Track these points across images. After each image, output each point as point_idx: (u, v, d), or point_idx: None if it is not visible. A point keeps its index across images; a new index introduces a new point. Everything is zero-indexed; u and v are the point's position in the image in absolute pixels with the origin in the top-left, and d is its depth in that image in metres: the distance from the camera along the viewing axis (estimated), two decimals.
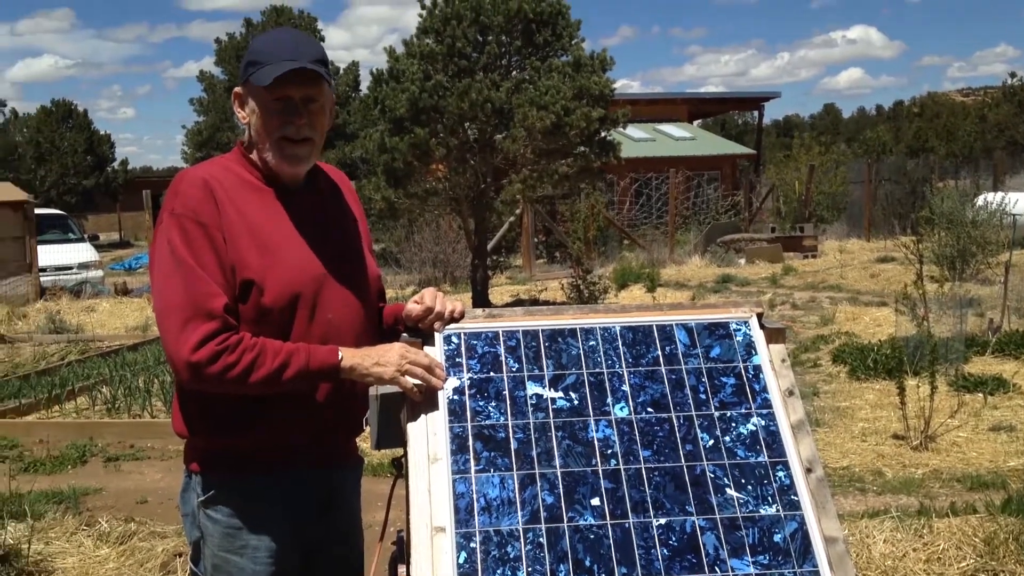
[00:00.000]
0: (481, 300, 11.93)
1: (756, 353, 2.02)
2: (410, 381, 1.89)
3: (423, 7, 11.17)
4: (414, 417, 1.88)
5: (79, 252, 17.62)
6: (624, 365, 1.98)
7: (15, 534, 4.17)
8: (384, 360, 1.91)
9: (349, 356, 1.92)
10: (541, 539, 1.76)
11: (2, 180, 21.17)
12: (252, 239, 1.96)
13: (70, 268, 16.95)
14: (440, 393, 1.91)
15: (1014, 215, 11.32)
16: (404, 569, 1.82)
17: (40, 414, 7.44)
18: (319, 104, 2.03)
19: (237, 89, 2.07)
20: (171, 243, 1.91)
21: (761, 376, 1.99)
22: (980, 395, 6.66)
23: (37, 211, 17.04)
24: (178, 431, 2.07)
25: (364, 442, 2.15)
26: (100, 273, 17.81)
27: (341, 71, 35.93)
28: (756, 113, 33.52)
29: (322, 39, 31.54)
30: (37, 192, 38.10)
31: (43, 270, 16.30)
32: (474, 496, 1.79)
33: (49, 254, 16.71)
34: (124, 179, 43.00)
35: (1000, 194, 14.21)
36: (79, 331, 11.84)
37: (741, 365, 2.01)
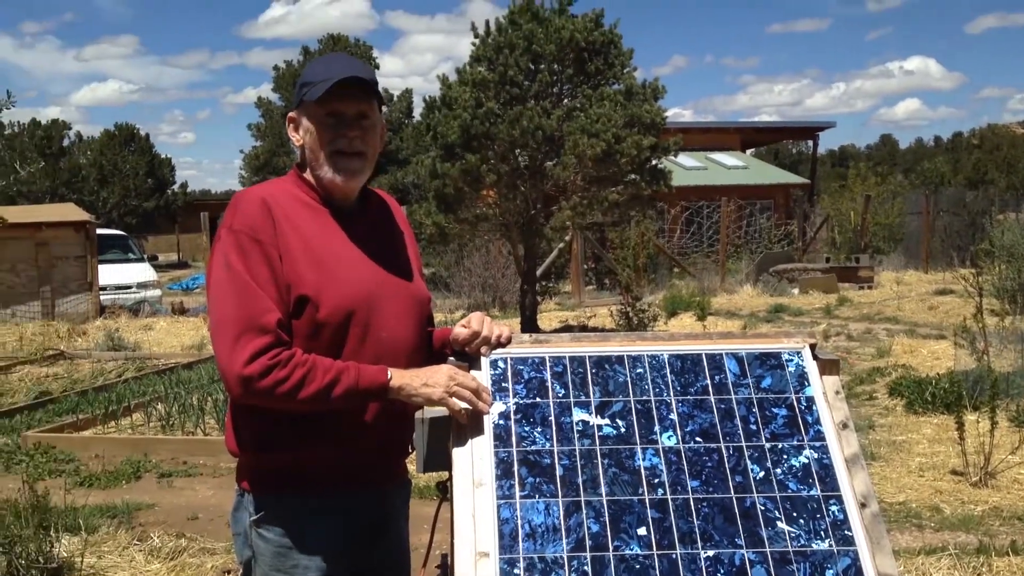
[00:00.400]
0: (530, 325, 11.92)
1: (809, 384, 1.99)
2: (458, 403, 1.89)
3: (476, 36, 11.30)
4: (460, 441, 1.88)
5: (138, 272, 18.03)
6: (672, 393, 1.96)
7: (69, 547, 4.25)
8: (432, 381, 1.92)
9: (398, 376, 1.93)
10: (586, 567, 1.73)
11: (66, 201, 21.78)
12: (308, 256, 1.98)
13: (129, 287, 17.34)
14: (486, 417, 1.91)
15: None
16: None
17: (96, 429, 7.59)
18: (371, 121, 2.07)
19: (292, 114, 2.11)
20: (227, 258, 1.95)
21: (814, 408, 1.96)
22: None
23: (99, 231, 17.49)
24: (231, 449, 2.09)
25: (412, 464, 2.15)
26: (158, 292, 18.19)
27: (395, 98, 36.45)
28: (810, 143, 33.17)
29: (377, 67, 32.06)
30: (99, 213, 39.18)
31: (103, 289, 16.69)
32: (519, 522, 1.78)
33: (109, 273, 17.11)
34: (183, 201, 44.04)
35: None
36: (136, 349, 12.08)
37: (793, 396, 1.97)
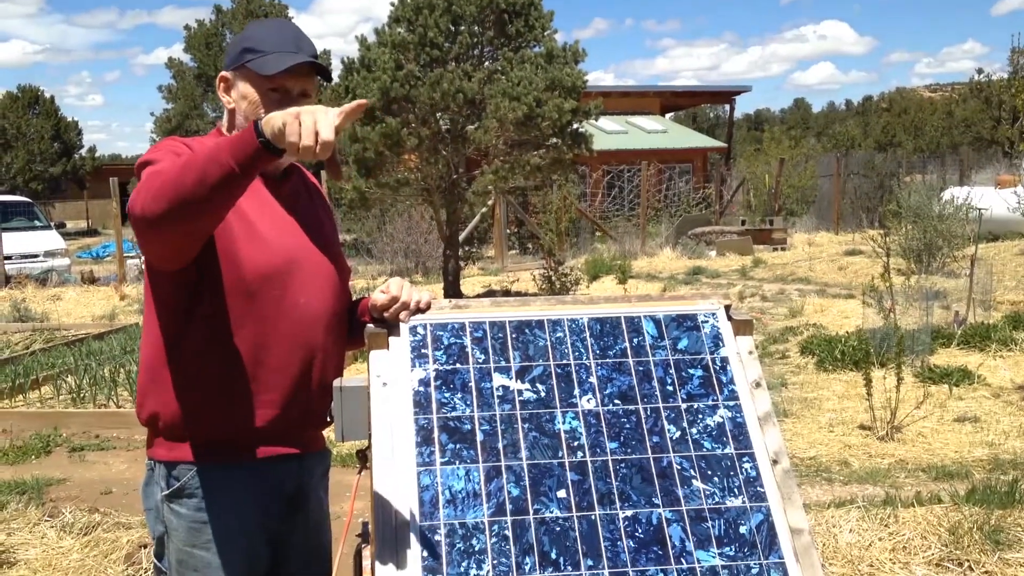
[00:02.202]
0: (453, 291, 11.91)
1: (724, 345, 2.02)
2: (293, 136, 1.60)
3: None
4: (379, 408, 1.86)
5: (45, 240, 17.39)
6: (591, 357, 1.98)
7: None
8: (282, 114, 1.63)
9: (265, 119, 1.66)
10: (507, 532, 1.75)
11: None
12: (232, 213, 1.92)
13: (36, 256, 16.72)
14: (405, 384, 1.89)
15: (979, 209, 11.46)
16: (369, 561, 1.80)
17: (3, 403, 7.32)
18: (311, 100, 2.03)
19: (226, 74, 2.05)
20: (162, 148, 1.91)
21: (728, 368, 1.99)
22: (945, 386, 6.75)
23: (2, 198, 16.77)
24: (141, 419, 2.04)
25: (332, 433, 2.13)
26: (67, 261, 17.57)
27: None
28: (727, 107, 33.70)
29: None
30: (2, 179, 37.43)
31: (8, 258, 16.07)
32: (439, 488, 1.78)
33: (14, 242, 16.47)
34: (92, 166, 42.40)
35: (966, 189, 14.40)
36: (44, 319, 11.67)
37: (708, 357, 2.00)
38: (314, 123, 1.59)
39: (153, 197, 1.69)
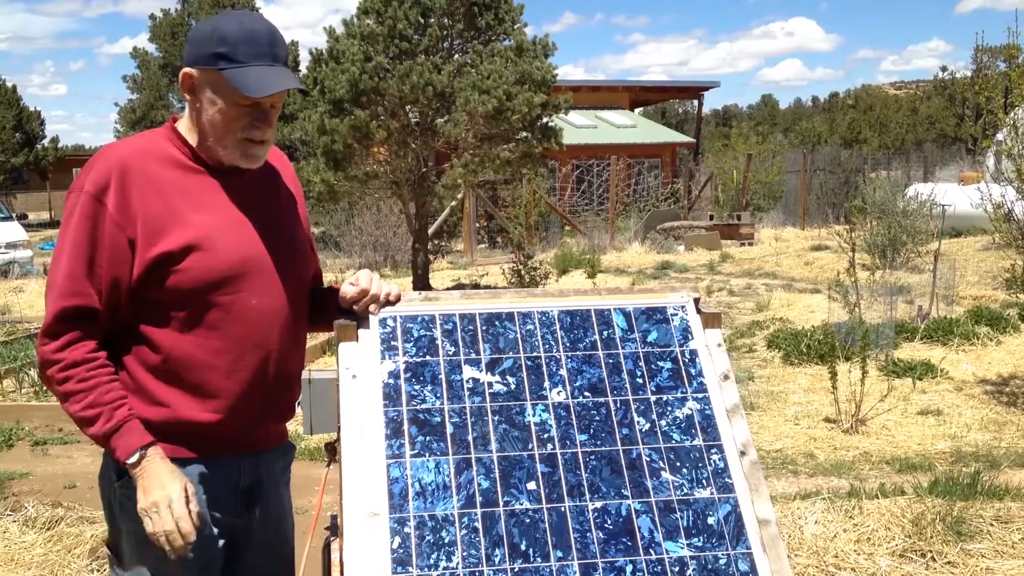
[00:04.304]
0: (422, 284, 11.87)
1: (693, 338, 2.04)
2: (150, 526, 1.86)
3: None
4: (347, 401, 1.85)
5: (7, 231, 17.08)
6: (562, 349, 1.98)
7: None
8: (152, 500, 1.86)
9: (142, 469, 1.87)
10: (476, 523, 1.75)
11: None
12: (175, 221, 1.89)
13: None
14: (375, 376, 1.88)
15: (943, 206, 11.63)
16: (338, 554, 1.79)
17: None
18: (279, 108, 1.99)
19: (192, 71, 1.93)
20: (71, 221, 1.89)
21: (697, 360, 2.01)
22: (909, 380, 6.85)
23: None
24: None
25: (299, 425, 2.11)
26: (29, 253, 17.29)
27: None
28: (696, 102, 33.86)
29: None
30: None
31: None
32: (409, 481, 1.77)
33: None
34: (55, 157, 41.67)
35: (930, 185, 14.60)
36: (6, 312, 11.49)
37: (678, 349, 2.02)
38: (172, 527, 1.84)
39: (46, 381, 1.91)
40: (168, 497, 1.84)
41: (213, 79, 1.91)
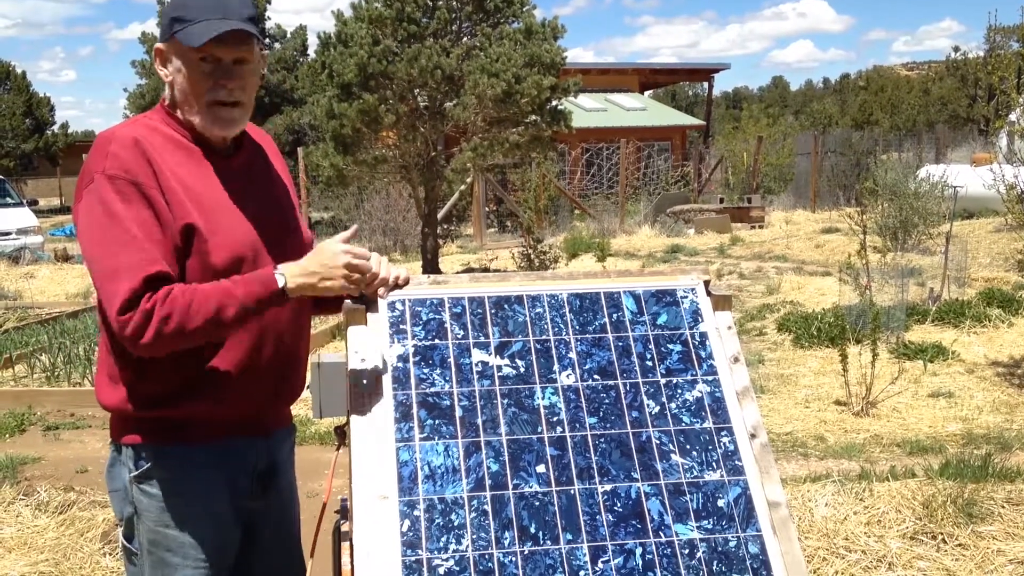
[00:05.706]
0: (431, 269, 11.87)
1: (703, 320, 2.03)
2: (356, 288, 1.86)
3: None
4: (357, 384, 1.85)
5: (17, 217, 17.13)
6: (571, 332, 1.97)
7: None
8: (330, 274, 1.84)
9: (293, 278, 1.84)
10: (486, 507, 1.74)
11: None
12: (192, 200, 1.89)
13: (8, 234, 16.48)
14: (384, 361, 1.88)
15: (955, 187, 11.54)
16: (348, 538, 1.80)
17: None
18: (250, 67, 1.95)
19: (160, 46, 1.95)
20: (108, 207, 1.82)
21: (707, 343, 2.00)
22: (920, 362, 6.82)
23: None
24: (103, 402, 1.99)
25: (307, 409, 2.11)
26: (40, 239, 17.34)
27: (288, 35, 35.23)
28: (706, 84, 33.66)
29: (269, 1, 30.79)
30: None
31: None
32: (418, 464, 1.77)
33: None
34: (64, 143, 41.78)
35: (942, 166, 14.49)
36: (17, 298, 11.54)
37: (688, 332, 2.01)
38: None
39: (155, 337, 1.78)
40: (339, 248, 1.86)
41: (173, 46, 1.93)
